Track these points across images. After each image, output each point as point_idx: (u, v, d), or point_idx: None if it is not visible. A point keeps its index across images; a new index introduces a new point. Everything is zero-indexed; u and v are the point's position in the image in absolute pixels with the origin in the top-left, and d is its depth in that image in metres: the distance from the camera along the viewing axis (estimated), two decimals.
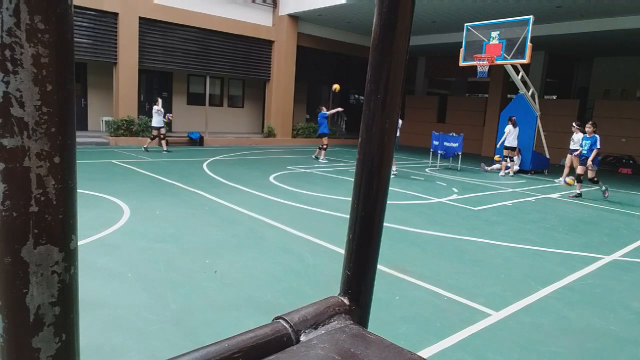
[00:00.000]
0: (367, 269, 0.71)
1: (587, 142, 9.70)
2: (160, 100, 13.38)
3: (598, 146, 9.46)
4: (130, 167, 10.20)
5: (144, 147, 13.33)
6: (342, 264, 0.68)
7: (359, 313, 0.70)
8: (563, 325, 3.49)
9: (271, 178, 9.76)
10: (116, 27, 14.74)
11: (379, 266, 4.10)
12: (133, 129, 15.13)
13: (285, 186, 8.79)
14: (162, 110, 13.20)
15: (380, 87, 0.65)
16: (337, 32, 19.90)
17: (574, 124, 12.03)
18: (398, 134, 12.34)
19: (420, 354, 2.91)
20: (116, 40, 14.80)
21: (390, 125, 0.66)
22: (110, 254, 4.47)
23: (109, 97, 16.21)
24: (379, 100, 0.64)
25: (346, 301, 0.69)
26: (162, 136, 13.36)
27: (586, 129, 9.77)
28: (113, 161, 10.93)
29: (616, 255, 5.40)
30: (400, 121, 13.55)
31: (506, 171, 12.80)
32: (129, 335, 2.99)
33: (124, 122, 14.90)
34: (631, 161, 16.20)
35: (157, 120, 13.11)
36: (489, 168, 13.65)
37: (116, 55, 14.88)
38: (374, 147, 0.66)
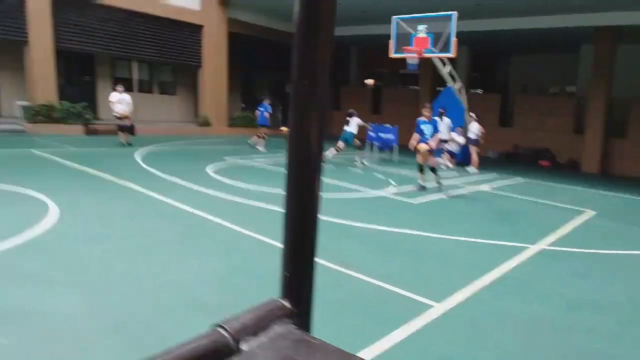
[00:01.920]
0: (307, 268, 0.69)
1: (428, 125, 8.81)
2: (120, 87, 12.50)
3: (440, 130, 9.47)
4: (53, 157, 9.44)
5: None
6: (280, 265, 0.65)
7: (301, 316, 0.67)
8: (499, 316, 3.67)
9: (209, 170, 9.46)
10: (24, 3, 13.54)
11: (321, 261, 4.08)
12: (54, 115, 14.01)
13: (225, 179, 8.56)
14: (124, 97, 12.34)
15: (306, 74, 0.62)
16: (271, 19, 19.57)
17: (471, 113, 13.13)
18: (355, 130, 12.62)
19: (368, 348, 2.95)
20: (24, 17, 13.60)
21: (319, 114, 0.64)
22: (38, 257, 4.10)
23: (23, 80, 14.89)
24: (305, 88, 0.62)
25: (287, 304, 0.66)
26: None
27: (424, 113, 8.96)
28: (33, 151, 10.07)
29: (544, 244, 5.79)
30: (356, 119, 13.39)
31: (443, 164, 13.28)
32: (67, 346, 2.76)
33: (43, 107, 13.75)
34: (549, 153, 17.46)
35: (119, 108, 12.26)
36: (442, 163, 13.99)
37: (26, 34, 13.66)
38: (303, 139, 0.63)
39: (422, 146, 8.71)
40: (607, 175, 15.35)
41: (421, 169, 8.92)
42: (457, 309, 3.72)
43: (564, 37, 16.86)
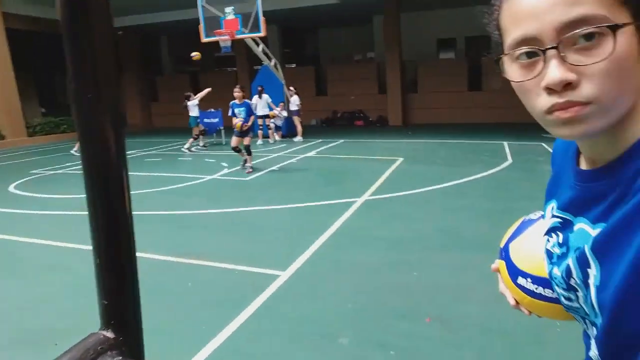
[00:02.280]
0: (127, 288, 0.60)
1: (242, 109, 8.55)
2: None
3: (258, 112, 9.87)
4: None
5: None
6: (96, 292, 0.58)
7: (130, 343, 0.60)
8: (337, 266, 4.07)
9: (12, 188, 8.19)
10: None
11: (164, 258, 3.97)
12: None
13: (33, 194, 7.51)
14: None
15: (89, 84, 0.54)
16: (53, 10, 17.30)
17: (290, 87, 14.08)
18: (197, 112, 12.31)
19: (224, 331, 3.01)
20: None
21: (110, 110, 0.56)
22: None
23: None
24: (91, 99, 0.54)
25: (110, 334, 0.59)
26: None
27: (235, 94, 8.63)
28: None
29: (366, 196, 6.49)
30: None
31: (264, 139, 13.64)
32: None
33: None
34: (362, 114, 19.31)
35: None
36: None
37: None
38: (97, 140, 0.56)
39: (237, 124, 8.50)
40: (408, 126, 17.68)
41: (238, 150, 8.71)
42: (300, 270, 3.99)
43: (358, 9, 18.50)
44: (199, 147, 12.82)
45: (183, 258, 4.37)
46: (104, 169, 0.57)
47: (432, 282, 3.69)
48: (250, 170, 8.67)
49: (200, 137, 12.81)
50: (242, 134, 8.53)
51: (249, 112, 8.62)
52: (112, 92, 0.57)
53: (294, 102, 14.00)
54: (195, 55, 11.73)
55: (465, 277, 3.71)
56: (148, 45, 22.85)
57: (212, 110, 13.78)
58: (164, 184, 7.89)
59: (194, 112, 12.55)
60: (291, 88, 14.22)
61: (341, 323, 3.10)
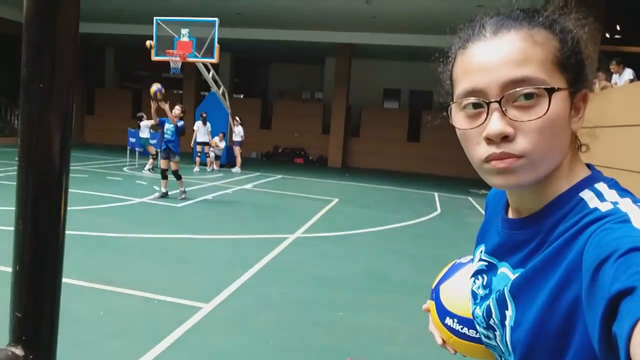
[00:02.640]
0: (46, 304, 0.57)
1: (171, 127, 8.12)
2: None
3: (198, 139, 10.03)
4: None
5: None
6: (10, 304, 0.54)
7: None
8: (262, 301, 3.98)
9: None
10: None
11: (75, 282, 3.68)
12: None
13: None
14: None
15: (43, 72, 0.52)
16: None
17: (236, 117, 14.09)
18: (148, 134, 11.89)
19: None
20: None
21: (61, 120, 0.54)
22: None
23: None
24: (42, 89, 0.52)
25: (19, 352, 0.55)
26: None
27: (175, 112, 8.18)
28: None
29: (299, 233, 6.47)
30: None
31: (201, 166, 13.36)
32: None
33: None
34: (303, 152, 19.54)
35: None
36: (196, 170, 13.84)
37: None
38: (41, 150, 0.54)
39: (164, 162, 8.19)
40: (347, 168, 18.09)
41: (165, 176, 8.26)
42: (224, 304, 3.85)
43: (312, 50, 19.09)
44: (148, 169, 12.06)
45: (97, 284, 4.08)
46: (44, 163, 0.54)
47: (356, 322, 3.69)
48: (183, 197, 8.28)
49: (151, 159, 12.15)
50: (166, 155, 8.08)
51: (177, 132, 8.11)
52: (68, 84, 0.54)
53: (238, 132, 13.95)
54: (149, 43, 11.49)
55: (389, 319, 3.76)
56: (91, 54, 22.00)
57: (151, 130, 13.38)
58: (86, 202, 7.44)
59: (144, 133, 12.12)
60: (237, 118, 14.18)
61: (261, 359, 3.01)
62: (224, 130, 14.40)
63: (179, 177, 8.21)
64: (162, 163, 8.27)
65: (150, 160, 12.02)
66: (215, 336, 3.30)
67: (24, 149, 0.54)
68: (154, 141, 12.78)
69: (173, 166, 8.10)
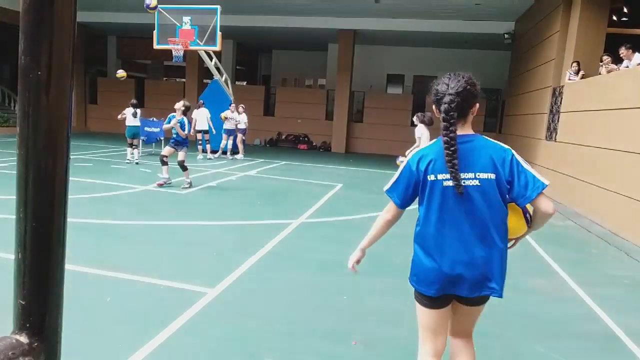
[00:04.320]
0: (50, 291, 0.57)
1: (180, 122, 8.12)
2: None
3: (197, 127, 9.95)
4: None
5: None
6: (13, 292, 0.54)
7: (46, 350, 0.56)
8: (267, 286, 4.01)
9: None
10: None
11: (81, 269, 3.71)
12: None
13: None
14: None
15: (41, 60, 0.52)
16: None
17: (241, 105, 13.88)
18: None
19: (142, 349, 2.85)
20: None
21: (60, 108, 0.54)
22: None
23: None
24: (40, 77, 0.52)
25: (24, 339, 0.55)
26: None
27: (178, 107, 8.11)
28: None
29: (303, 218, 6.49)
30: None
31: (204, 153, 13.29)
32: None
33: None
34: (306, 138, 19.50)
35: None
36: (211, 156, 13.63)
37: None
38: (40, 139, 0.54)
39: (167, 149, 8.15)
40: (350, 154, 18.05)
41: (164, 162, 8.22)
42: (229, 289, 3.88)
43: (315, 36, 18.93)
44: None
45: (103, 270, 4.12)
46: (44, 151, 0.54)
47: (361, 305, 3.72)
48: (187, 186, 8.24)
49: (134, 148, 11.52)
50: (174, 145, 8.10)
51: (181, 127, 8.09)
52: (66, 73, 0.54)
53: (243, 120, 13.79)
54: (120, 74, 11.25)
55: (393, 302, 3.78)
56: (94, 44, 21.93)
57: (154, 119, 13.38)
58: (91, 190, 7.48)
59: (136, 122, 11.88)
60: (242, 106, 13.92)
61: (267, 343, 3.04)
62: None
63: (184, 169, 8.17)
64: (166, 150, 8.23)
65: (132, 150, 11.33)
66: (221, 321, 3.33)
67: (23, 137, 0.54)
68: (155, 129, 12.75)
69: (180, 156, 8.07)
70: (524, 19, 14.60)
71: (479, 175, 1.88)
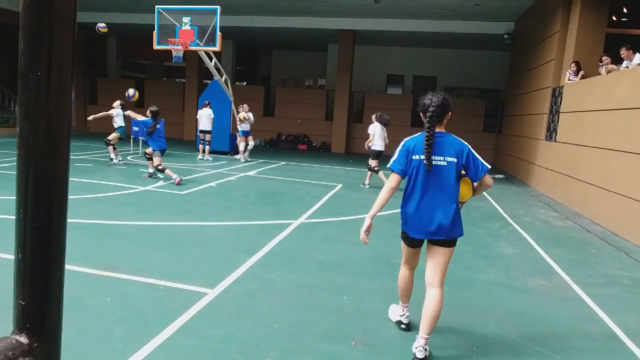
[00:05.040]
0: (51, 291, 0.57)
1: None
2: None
3: (200, 127, 10.42)
4: None
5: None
6: (13, 293, 0.54)
7: (46, 350, 0.56)
8: (267, 286, 4.00)
9: None
10: None
11: (81, 269, 3.70)
12: None
13: None
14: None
15: (41, 61, 0.52)
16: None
17: (244, 104, 13.81)
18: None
19: (142, 349, 2.85)
20: None
21: (60, 108, 0.54)
22: None
23: None
24: (40, 78, 0.52)
25: (24, 339, 0.55)
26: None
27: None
28: None
29: (302, 219, 6.49)
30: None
31: (203, 154, 13.24)
32: None
33: None
34: (306, 138, 19.50)
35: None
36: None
37: None
38: (40, 139, 0.54)
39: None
40: (350, 154, 18.04)
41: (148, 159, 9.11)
42: (229, 289, 3.87)
43: (315, 36, 18.94)
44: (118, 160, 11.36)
45: (103, 270, 4.11)
46: (46, 153, 0.54)
47: (361, 306, 3.72)
48: (147, 176, 8.97)
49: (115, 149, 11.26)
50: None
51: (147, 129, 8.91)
52: (66, 73, 0.54)
53: (248, 119, 13.44)
54: (133, 94, 11.24)
55: (394, 302, 3.77)
56: (94, 44, 21.94)
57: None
58: (91, 191, 7.48)
59: (120, 121, 11.77)
60: (245, 105, 13.67)
61: (267, 343, 3.04)
62: (227, 118, 14.38)
63: (161, 171, 8.69)
64: (149, 149, 8.95)
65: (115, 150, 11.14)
66: (221, 321, 3.33)
67: (23, 137, 0.54)
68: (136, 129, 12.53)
69: (155, 161, 8.72)
70: (523, 19, 14.61)
71: (447, 159, 2.84)
